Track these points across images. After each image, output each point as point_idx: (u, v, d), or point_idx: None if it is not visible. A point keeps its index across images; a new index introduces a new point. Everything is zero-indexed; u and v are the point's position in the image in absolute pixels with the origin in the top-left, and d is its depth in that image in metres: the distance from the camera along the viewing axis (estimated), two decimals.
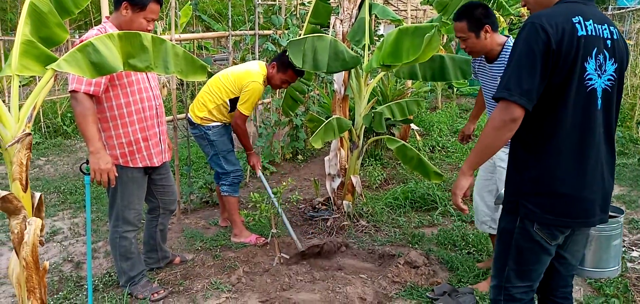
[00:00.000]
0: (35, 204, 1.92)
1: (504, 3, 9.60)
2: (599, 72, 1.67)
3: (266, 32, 5.10)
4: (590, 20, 1.66)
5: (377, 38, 6.21)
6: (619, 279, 2.98)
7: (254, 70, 3.43)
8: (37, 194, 1.93)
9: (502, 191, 1.94)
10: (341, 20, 3.73)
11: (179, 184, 4.12)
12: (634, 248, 3.55)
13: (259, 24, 4.94)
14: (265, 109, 5.55)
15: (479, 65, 2.84)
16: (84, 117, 2.36)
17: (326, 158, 4.08)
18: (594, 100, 1.68)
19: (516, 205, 1.77)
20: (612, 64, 1.71)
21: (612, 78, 1.71)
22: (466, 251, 3.40)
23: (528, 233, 1.76)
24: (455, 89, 9.88)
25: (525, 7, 1.88)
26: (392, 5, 9.56)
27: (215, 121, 3.48)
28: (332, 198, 4.02)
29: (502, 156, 2.66)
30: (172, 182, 3.07)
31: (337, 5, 3.90)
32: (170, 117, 4.08)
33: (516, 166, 1.78)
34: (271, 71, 3.46)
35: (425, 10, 10.46)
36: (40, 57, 1.91)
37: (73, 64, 1.91)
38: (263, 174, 3.74)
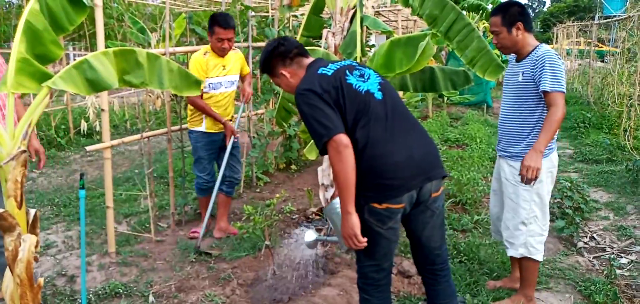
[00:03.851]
0: (30, 221, 1.92)
1: (486, 7, 9.74)
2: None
3: (259, 44, 5.14)
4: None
5: (368, 49, 6.28)
6: (609, 286, 3.03)
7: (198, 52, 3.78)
8: (32, 211, 1.93)
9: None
10: (333, 33, 3.78)
11: (173, 196, 4.13)
12: (622, 255, 3.60)
13: (252, 36, 4.98)
14: (258, 119, 5.58)
15: (509, 69, 2.86)
16: None
17: (319, 168, 4.11)
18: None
19: (357, 200, 2.02)
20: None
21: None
22: (458, 260, 3.43)
23: (363, 219, 2.01)
24: (445, 98, 9.98)
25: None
26: (383, 16, 9.66)
27: (195, 126, 3.81)
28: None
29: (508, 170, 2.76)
30: None
31: (329, 18, 3.95)
32: (164, 130, 4.09)
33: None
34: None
35: (415, 21, 10.59)
36: (36, 74, 1.91)
37: (68, 81, 1.93)
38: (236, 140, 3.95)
